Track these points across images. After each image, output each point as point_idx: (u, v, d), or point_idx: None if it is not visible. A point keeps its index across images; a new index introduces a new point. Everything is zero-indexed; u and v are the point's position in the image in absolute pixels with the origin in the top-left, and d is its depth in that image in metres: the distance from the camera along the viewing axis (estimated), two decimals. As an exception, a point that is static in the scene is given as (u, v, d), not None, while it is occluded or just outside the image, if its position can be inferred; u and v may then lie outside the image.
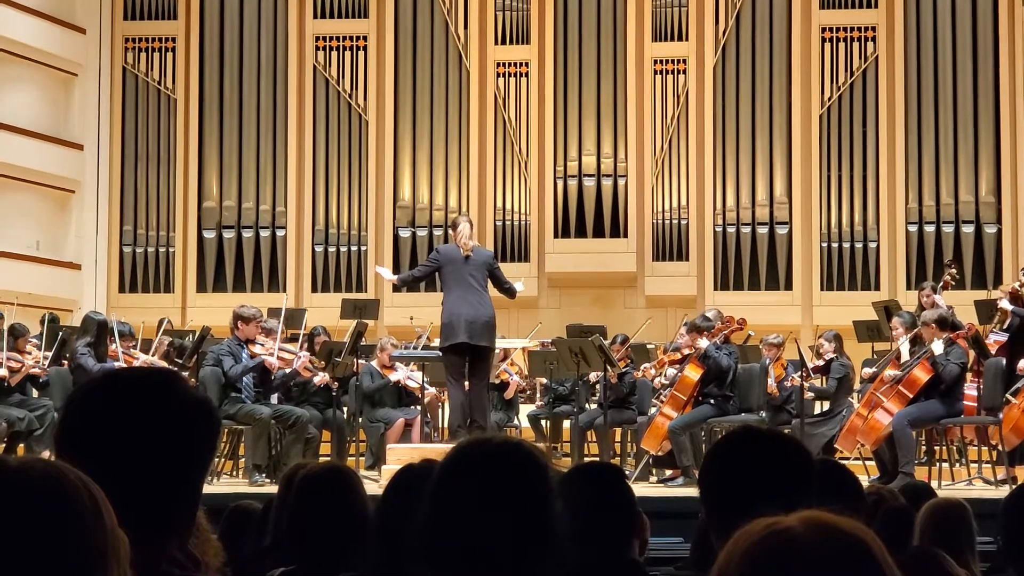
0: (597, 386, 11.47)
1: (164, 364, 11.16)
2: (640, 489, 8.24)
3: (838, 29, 16.00)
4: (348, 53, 16.48)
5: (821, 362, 10.95)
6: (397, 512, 2.74)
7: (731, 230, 15.80)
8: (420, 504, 1.90)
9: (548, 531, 1.83)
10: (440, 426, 12.17)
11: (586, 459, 10.38)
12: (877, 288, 15.42)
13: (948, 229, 15.56)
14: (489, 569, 1.80)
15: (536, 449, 1.91)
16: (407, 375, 11.89)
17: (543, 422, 12.60)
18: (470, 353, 9.41)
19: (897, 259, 15.65)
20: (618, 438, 11.97)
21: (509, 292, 9.75)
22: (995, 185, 15.62)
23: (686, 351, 10.91)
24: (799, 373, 10.64)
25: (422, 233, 16.01)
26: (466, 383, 9.49)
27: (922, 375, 9.78)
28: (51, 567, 1.22)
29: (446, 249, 9.71)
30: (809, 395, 10.94)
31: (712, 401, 10.47)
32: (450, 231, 10.04)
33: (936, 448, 10.66)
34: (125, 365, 10.36)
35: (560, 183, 15.97)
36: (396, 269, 15.70)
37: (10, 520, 1.22)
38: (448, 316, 9.42)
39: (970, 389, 10.23)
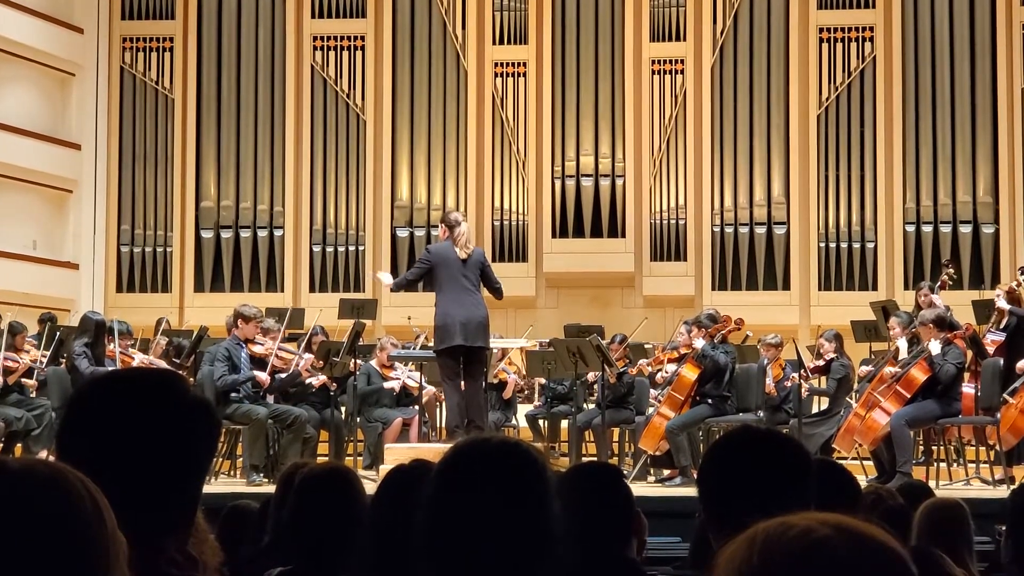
0: (595, 386, 11.47)
1: (163, 364, 11.16)
2: (638, 489, 8.24)
3: (836, 29, 16.01)
4: (346, 53, 16.48)
5: (821, 362, 10.95)
6: (389, 512, 2.74)
7: (729, 230, 15.81)
8: (412, 504, 1.90)
9: (547, 532, 1.83)
10: (438, 426, 12.17)
11: (584, 459, 10.38)
12: (875, 288, 15.43)
13: (946, 229, 15.57)
14: (488, 570, 1.80)
15: (535, 449, 1.91)
16: (406, 375, 11.89)
17: (541, 422, 12.60)
18: (465, 354, 9.38)
19: (895, 259, 15.65)
20: (616, 438, 11.97)
21: (498, 292, 9.64)
22: (993, 185, 15.63)
23: (684, 350, 10.91)
24: (798, 372, 10.64)
25: (420, 233, 16.00)
26: (462, 383, 9.45)
27: (920, 375, 9.78)
28: (52, 569, 1.22)
29: (437, 249, 9.51)
30: (812, 399, 10.93)
31: (710, 401, 10.47)
32: (438, 228, 9.76)
33: (934, 448, 10.66)
34: (123, 365, 10.37)
35: (558, 183, 15.97)
36: (394, 269, 15.74)
37: (12, 521, 1.22)
38: (442, 318, 9.31)
39: (968, 389, 10.23)
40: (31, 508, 1.23)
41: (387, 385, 11.77)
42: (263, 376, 10.47)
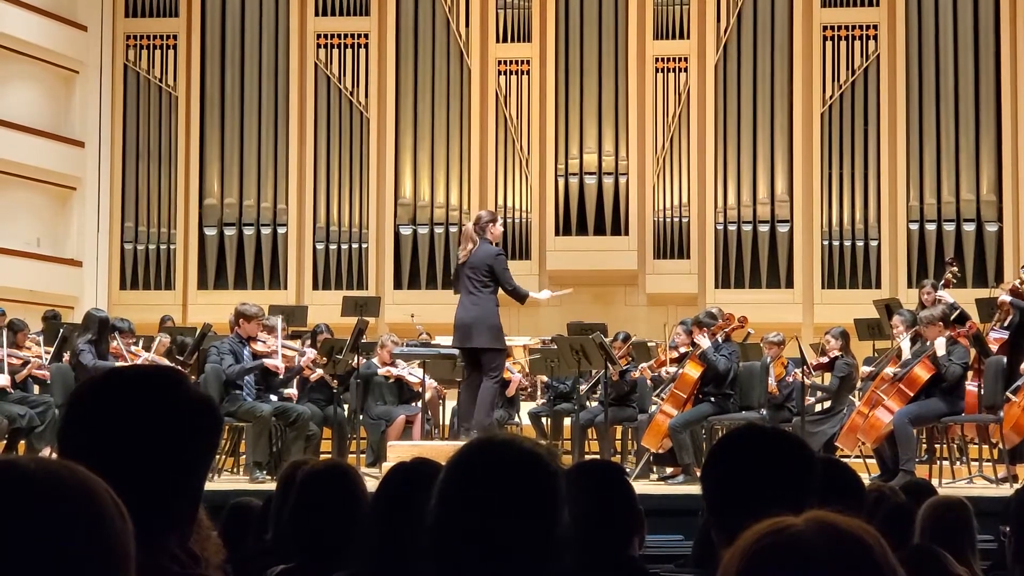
0: (598, 384, 11.46)
1: (166, 362, 11.16)
2: (640, 487, 8.25)
3: (839, 27, 16.00)
4: (349, 51, 16.48)
5: (825, 359, 10.94)
6: (391, 510, 2.74)
7: (732, 228, 15.80)
8: (414, 502, 1.89)
9: (554, 538, 1.82)
10: (441, 423, 12.20)
11: (587, 457, 10.38)
12: (878, 286, 15.42)
13: (949, 227, 15.55)
14: (494, 570, 1.79)
15: (548, 453, 1.89)
16: (407, 372, 11.89)
17: (544, 419, 12.60)
18: (469, 354, 9.46)
19: (898, 257, 15.64)
20: (619, 436, 11.97)
21: (514, 294, 9.60)
22: (996, 183, 15.61)
23: (683, 349, 10.92)
24: (800, 369, 10.63)
25: (423, 231, 16.01)
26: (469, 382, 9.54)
27: (923, 373, 9.77)
28: (79, 573, 1.21)
29: None
30: (810, 400, 10.92)
31: (712, 399, 10.48)
32: None
33: (937, 446, 10.64)
34: (127, 362, 10.37)
35: (561, 181, 15.97)
36: (397, 266, 15.87)
37: (40, 526, 1.20)
38: (454, 319, 9.55)
39: (971, 387, 10.22)
40: (61, 513, 1.21)
41: (380, 371, 11.78)
42: (274, 363, 10.43)
